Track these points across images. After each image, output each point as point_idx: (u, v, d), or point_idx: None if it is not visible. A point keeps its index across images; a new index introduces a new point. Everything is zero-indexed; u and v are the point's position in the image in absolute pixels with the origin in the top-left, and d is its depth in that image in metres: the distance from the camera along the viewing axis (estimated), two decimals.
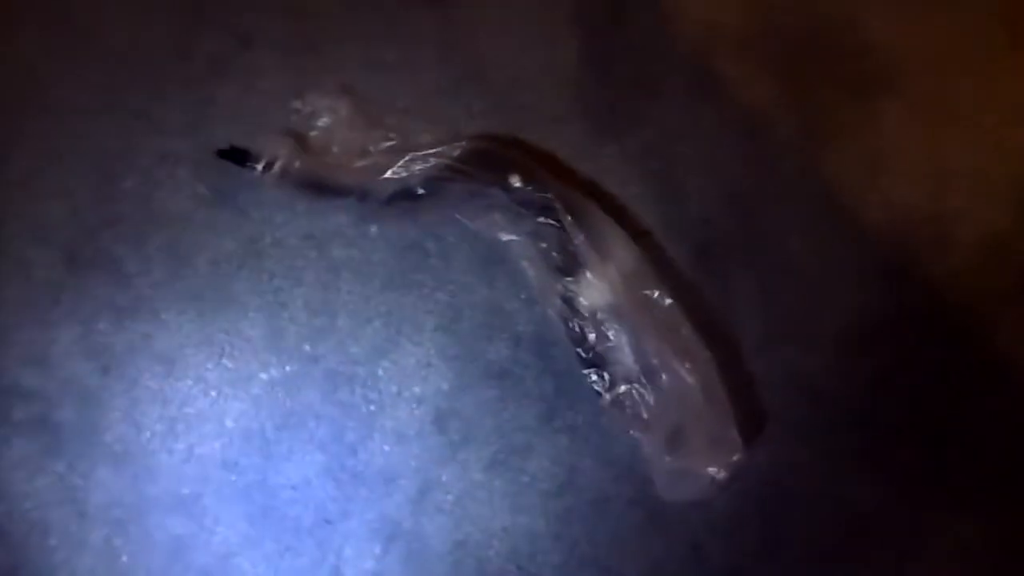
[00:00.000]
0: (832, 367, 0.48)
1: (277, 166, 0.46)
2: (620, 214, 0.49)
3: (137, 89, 0.52)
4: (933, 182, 0.50)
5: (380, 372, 0.49)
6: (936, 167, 0.50)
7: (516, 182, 0.46)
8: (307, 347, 0.49)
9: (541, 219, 0.46)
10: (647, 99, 0.50)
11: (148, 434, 0.49)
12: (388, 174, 0.47)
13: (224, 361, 0.49)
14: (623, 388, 0.45)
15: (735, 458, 0.44)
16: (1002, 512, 0.47)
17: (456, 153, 0.47)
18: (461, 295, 0.49)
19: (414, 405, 0.48)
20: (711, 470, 0.44)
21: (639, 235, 0.49)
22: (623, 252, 0.46)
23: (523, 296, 0.49)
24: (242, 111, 0.51)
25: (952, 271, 0.49)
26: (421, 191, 0.47)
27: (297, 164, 0.47)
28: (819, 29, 0.50)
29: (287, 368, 0.49)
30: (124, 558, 0.47)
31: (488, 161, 0.46)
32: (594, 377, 0.46)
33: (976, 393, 0.48)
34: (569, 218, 0.45)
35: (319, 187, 0.47)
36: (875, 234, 0.50)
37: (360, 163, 0.47)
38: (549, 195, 0.45)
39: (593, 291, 0.45)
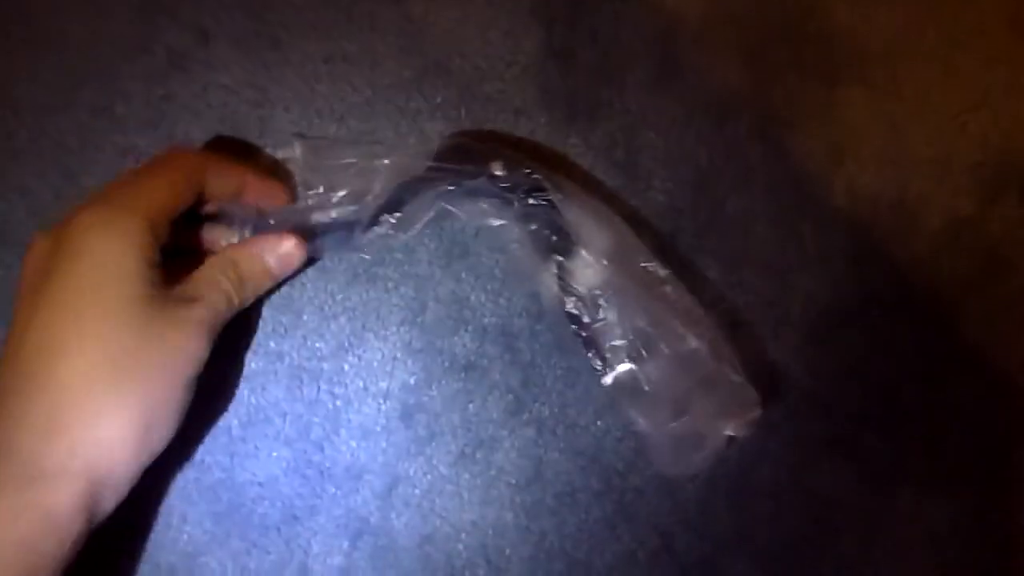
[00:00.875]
0: (799, 355, 0.48)
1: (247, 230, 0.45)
2: None
3: (97, 85, 0.51)
4: (898, 168, 0.50)
5: (346, 367, 0.48)
6: (900, 153, 0.50)
7: (498, 170, 0.45)
8: (272, 344, 0.49)
9: (531, 200, 0.44)
10: (611, 89, 0.50)
11: None
12: (368, 198, 0.45)
13: None
14: (624, 366, 0.44)
15: (754, 414, 0.42)
16: (971, 497, 0.48)
17: (431, 153, 0.46)
18: (426, 289, 0.49)
19: (380, 400, 0.48)
20: (728, 431, 0.42)
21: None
22: (613, 228, 0.45)
23: (489, 288, 0.49)
24: (203, 107, 0.51)
25: (918, 257, 0.49)
26: (404, 199, 0.46)
27: (271, 222, 0.45)
28: (782, 16, 0.50)
29: (252, 365, 0.49)
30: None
31: (466, 155, 0.46)
32: (592, 356, 0.45)
33: (943, 379, 0.48)
34: (559, 195, 0.44)
35: (304, 235, 0.45)
36: (841, 221, 0.50)
37: (335, 196, 0.46)
38: (537, 176, 0.44)
39: (588, 268, 0.45)
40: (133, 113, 0.51)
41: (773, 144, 0.50)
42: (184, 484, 0.48)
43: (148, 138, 0.50)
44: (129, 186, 0.39)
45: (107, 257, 0.36)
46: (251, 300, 0.42)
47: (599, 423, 0.48)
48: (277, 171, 0.48)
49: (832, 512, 0.47)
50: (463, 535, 0.47)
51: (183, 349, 0.37)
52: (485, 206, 0.46)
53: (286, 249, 0.43)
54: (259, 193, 0.43)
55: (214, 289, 0.40)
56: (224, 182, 0.42)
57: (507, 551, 0.47)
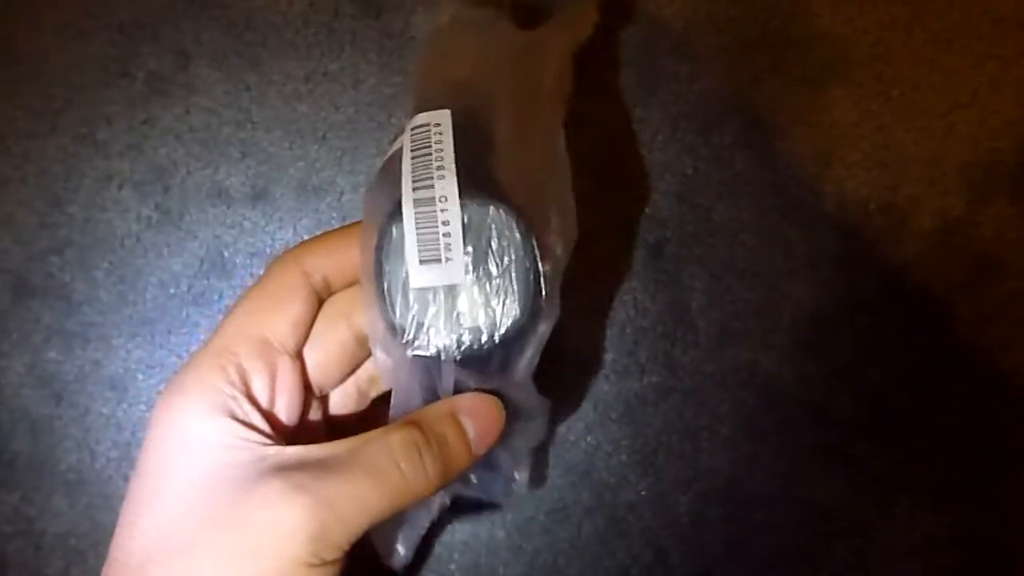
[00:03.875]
0: (789, 363, 0.48)
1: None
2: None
3: (79, 111, 0.51)
4: (886, 171, 0.49)
5: None
6: (888, 155, 0.49)
7: None
8: None
9: None
10: (593, 99, 0.49)
11: (102, 461, 0.49)
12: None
13: None
14: None
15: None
16: (965, 503, 0.47)
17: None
18: None
19: None
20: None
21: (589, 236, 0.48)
22: None
23: None
24: (184, 129, 0.51)
25: (908, 260, 0.49)
26: None
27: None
28: (764, 22, 0.50)
29: None
30: None
31: None
32: None
33: (937, 383, 0.48)
34: None
35: None
36: (829, 226, 0.49)
37: None
38: None
39: None
40: (115, 138, 0.51)
41: (759, 151, 0.49)
42: None
43: (131, 162, 0.50)
44: (218, 333, 0.34)
45: (185, 445, 0.31)
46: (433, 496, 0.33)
47: (589, 438, 0.47)
48: None
49: (826, 521, 0.47)
50: (455, 555, 0.47)
51: (276, 525, 0.29)
52: None
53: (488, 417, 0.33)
54: None
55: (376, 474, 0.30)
56: (339, 261, 0.35)
57: (500, 570, 0.47)
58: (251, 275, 0.49)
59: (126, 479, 0.47)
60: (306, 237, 0.49)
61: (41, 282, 0.50)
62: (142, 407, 0.49)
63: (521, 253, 0.34)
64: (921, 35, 0.50)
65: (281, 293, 0.34)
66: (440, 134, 0.34)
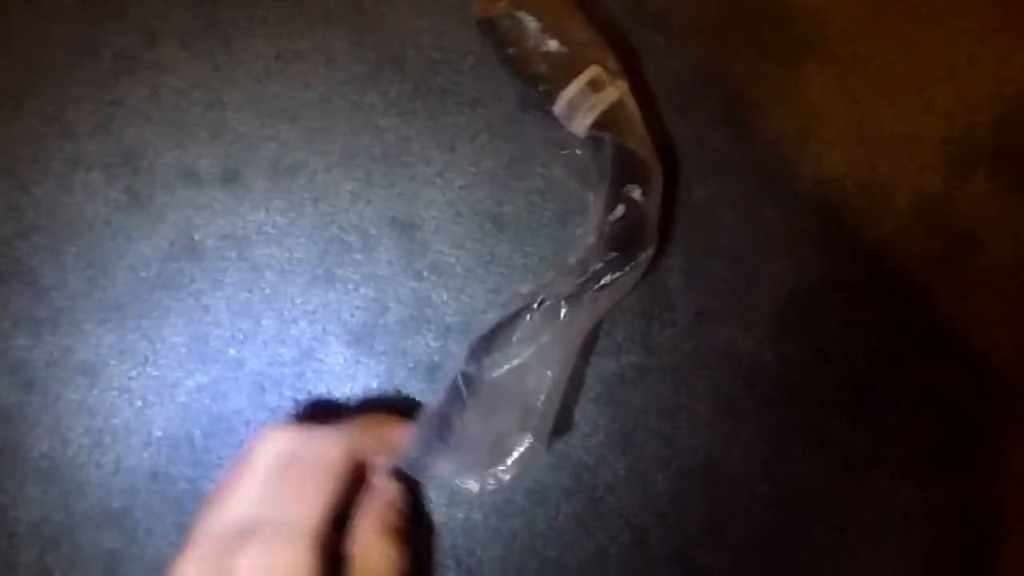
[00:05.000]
0: (769, 342, 0.48)
1: None
2: (545, 197, 0.48)
3: (46, 93, 0.50)
4: (864, 147, 0.49)
5: (308, 373, 0.48)
6: (866, 132, 0.49)
7: None
8: (232, 351, 0.48)
9: None
10: None
11: (75, 448, 0.48)
12: None
13: (148, 369, 0.48)
14: None
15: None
16: (946, 481, 0.47)
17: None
18: (387, 289, 0.48)
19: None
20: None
21: (566, 214, 0.48)
22: None
23: (451, 286, 0.48)
24: (154, 110, 0.50)
25: (886, 238, 0.49)
26: None
27: None
28: None
29: (213, 373, 0.48)
30: None
31: None
32: None
33: (916, 361, 0.48)
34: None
35: None
36: (808, 204, 0.49)
37: None
38: None
39: None
40: (83, 119, 0.50)
41: (738, 128, 0.49)
42: (149, 497, 0.47)
43: (99, 144, 0.49)
44: (289, 505, 0.38)
45: None
46: None
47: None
48: None
49: (805, 500, 0.47)
50: (433, 537, 0.47)
51: None
52: None
53: None
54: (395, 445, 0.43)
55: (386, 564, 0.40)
56: (373, 447, 0.41)
57: (477, 552, 0.47)
58: (222, 258, 0.48)
59: (98, 466, 0.47)
60: (279, 219, 0.49)
61: (8, 268, 0.49)
62: (114, 393, 0.48)
63: None
64: (898, 10, 0.50)
65: (336, 475, 0.39)
66: None
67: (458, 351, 0.46)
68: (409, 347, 0.47)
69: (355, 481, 0.40)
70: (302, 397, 0.47)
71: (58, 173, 0.49)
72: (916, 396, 0.47)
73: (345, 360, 0.47)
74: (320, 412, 0.47)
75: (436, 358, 0.47)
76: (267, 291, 0.48)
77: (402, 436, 0.42)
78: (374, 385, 0.47)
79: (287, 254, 0.48)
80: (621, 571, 0.46)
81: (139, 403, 0.47)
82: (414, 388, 0.47)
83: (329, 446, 0.39)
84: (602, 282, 0.41)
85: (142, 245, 0.48)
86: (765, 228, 0.48)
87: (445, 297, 0.48)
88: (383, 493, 0.41)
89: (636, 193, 0.42)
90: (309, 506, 0.37)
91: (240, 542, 0.36)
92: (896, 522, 0.46)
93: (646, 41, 0.49)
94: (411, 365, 0.47)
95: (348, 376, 0.47)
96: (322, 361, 0.47)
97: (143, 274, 0.48)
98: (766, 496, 0.47)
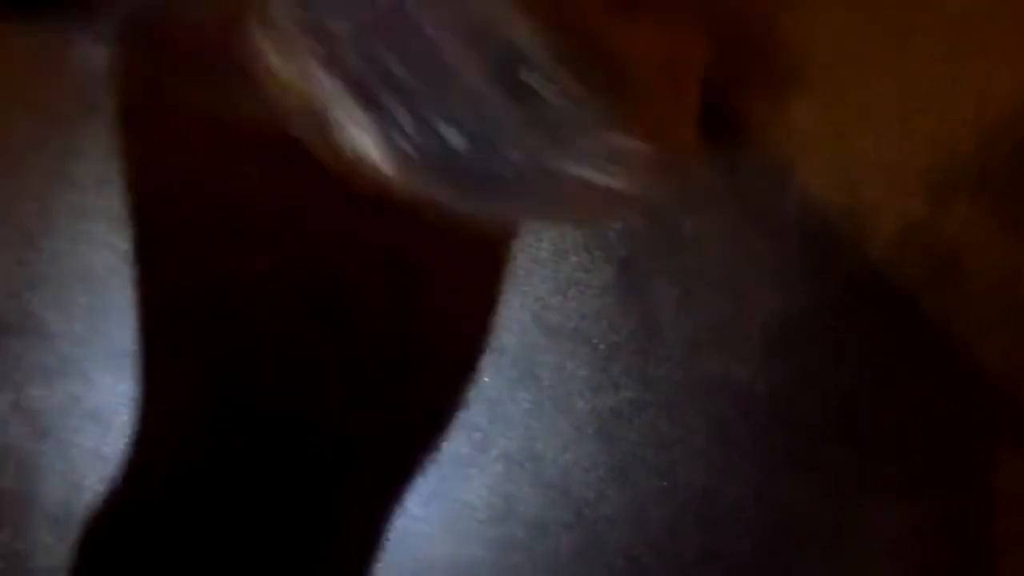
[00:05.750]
0: (761, 371, 0.49)
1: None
2: (536, 236, 0.49)
3: (52, 147, 0.51)
4: (847, 176, 0.50)
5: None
6: (850, 161, 0.50)
7: None
8: None
9: None
10: None
11: (89, 495, 0.49)
12: None
13: None
14: None
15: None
16: (936, 501, 0.48)
17: None
18: None
19: None
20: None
21: (559, 253, 0.49)
22: None
23: None
24: None
25: (872, 264, 0.49)
26: None
27: None
28: (722, 32, 0.50)
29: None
30: None
31: None
32: None
33: (903, 385, 0.49)
34: None
35: None
36: (794, 233, 0.50)
37: None
38: None
39: None
40: (87, 172, 0.51)
41: (722, 161, 0.50)
42: None
43: (102, 197, 0.50)
44: None
45: None
46: None
47: (567, 455, 0.48)
48: None
49: (798, 525, 0.48)
50: (437, 573, 0.48)
51: None
52: None
53: None
54: None
55: None
56: None
57: None
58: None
59: None
60: None
61: (17, 319, 0.50)
62: (126, 439, 0.49)
63: None
64: (878, 39, 0.51)
65: None
66: None
67: None
68: None
69: None
70: None
71: (64, 225, 0.50)
72: (904, 418, 0.48)
73: None
74: None
75: None
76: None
77: None
78: None
79: None
80: None
81: None
82: None
83: None
84: None
85: None
86: (753, 258, 0.49)
87: None
88: None
89: None
90: None
91: None
92: (887, 544, 0.48)
93: None
94: None
95: None
96: None
97: None
98: (760, 522, 0.48)
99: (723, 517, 0.47)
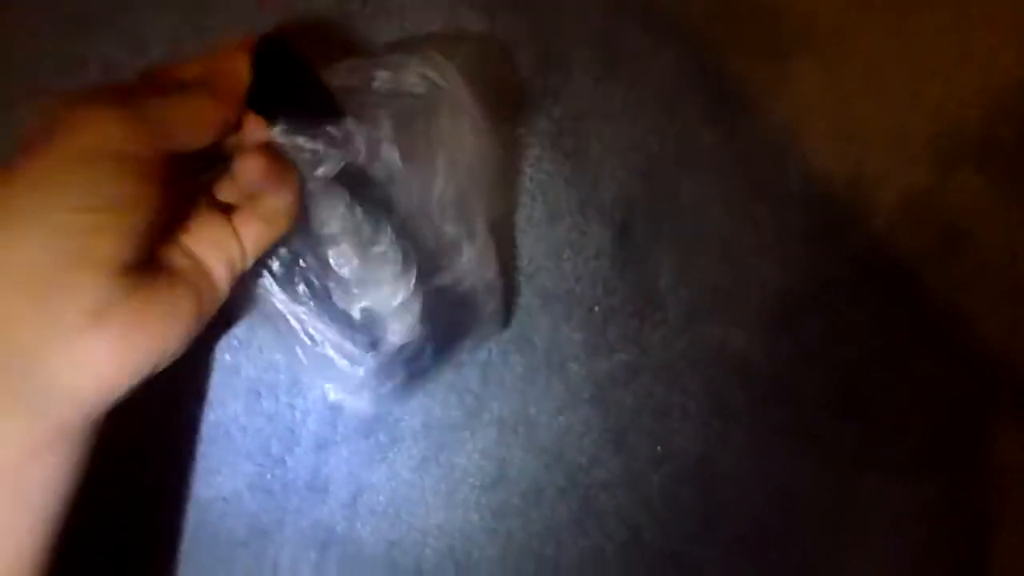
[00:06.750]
0: (759, 341, 0.48)
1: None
2: (534, 196, 0.49)
3: (34, 104, 0.50)
4: (852, 144, 0.49)
5: (303, 378, 0.48)
6: (854, 129, 0.49)
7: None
8: (227, 357, 0.48)
9: None
10: (556, 77, 0.49)
11: None
12: None
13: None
14: None
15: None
16: (938, 478, 0.47)
17: None
18: None
19: (340, 409, 0.48)
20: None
21: (554, 216, 0.48)
22: None
23: None
24: None
25: (875, 234, 0.49)
26: None
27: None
28: None
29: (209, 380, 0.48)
30: None
31: None
32: None
33: (906, 358, 0.48)
34: None
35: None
36: (796, 202, 0.49)
37: None
38: None
39: None
40: None
41: (724, 126, 0.49)
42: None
43: None
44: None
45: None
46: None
47: (561, 419, 0.47)
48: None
49: (797, 497, 0.47)
50: (430, 539, 0.47)
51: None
52: None
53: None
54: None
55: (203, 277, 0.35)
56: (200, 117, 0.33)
57: (474, 553, 0.47)
58: None
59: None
60: None
61: None
62: None
63: None
64: (885, 5, 0.50)
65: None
66: None
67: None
68: None
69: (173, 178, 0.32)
70: (298, 401, 0.47)
71: None
72: (907, 393, 0.48)
73: None
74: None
75: None
76: None
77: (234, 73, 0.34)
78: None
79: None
80: (617, 569, 0.47)
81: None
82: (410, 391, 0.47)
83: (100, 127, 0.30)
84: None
85: None
86: (754, 226, 0.49)
87: None
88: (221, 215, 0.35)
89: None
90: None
91: None
92: (888, 518, 0.47)
93: (631, 42, 0.49)
94: None
95: None
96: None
97: None
98: (758, 494, 0.47)
99: (721, 487, 0.47)
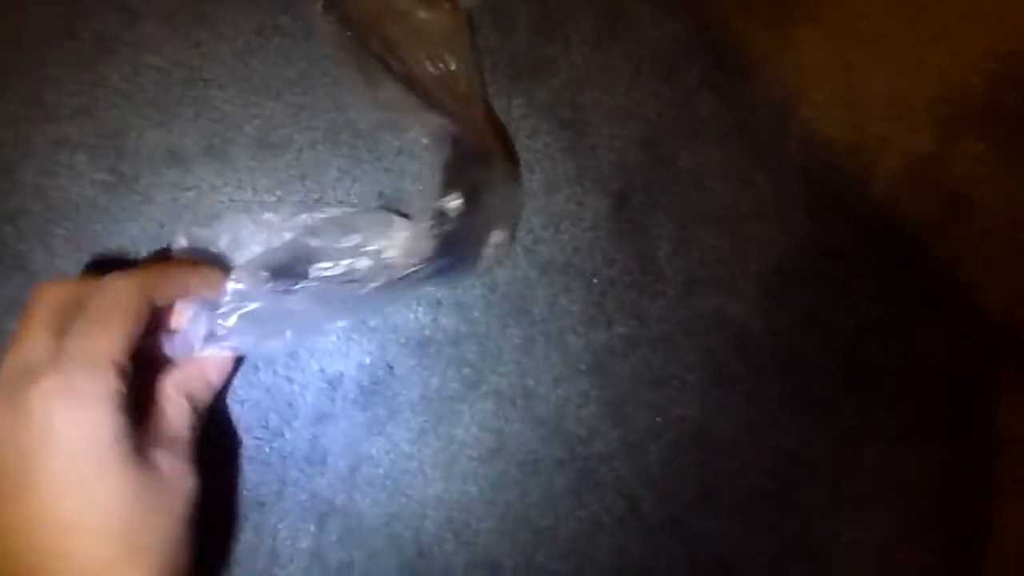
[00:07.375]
0: (758, 310, 0.48)
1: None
2: (531, 167, 0.48)
3: (26, 75, 0.50)
4: (854, 110, 0.48)
5: (301, 351, 0.48)
6: (856, 93, 0.48)
7: None
8: None
9: None
10: (553, 45, 0.48)
11: None
12: None
13: None
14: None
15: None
16: (937, 446, 0.47)
17: None
18: None
19: (337, 382, 0.47)
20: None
21: (551, 186, 0.48)
22: None
23: None
24: (135, 90, 0.49)
25: (877, 201, 0.48)
26: None
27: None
28: None
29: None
30: None
31: None
32: None
33: (907, 327, 0.48)
34: None
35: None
36: (796, 169, 0.48)
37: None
38: None
39: None
40: (64, 100, 0.49)
41: (724, 94, 0.48)
42: None
43: (82, 126, 0.49)
44: (84, 338, 0.36)
45: (84, 433, 0.35)
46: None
47: (559, 391, 0.47)
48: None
49: (797, 466, 0.47)
50: (429, 511, 0.47)
51: (180, 493, 0.38)
52: None
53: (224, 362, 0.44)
54: (205, 287, 0.42)
55: (184, 425, 0.41)
56: (171, 291, 0.41)
57: (473, 524, 0.47)
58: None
59: None
60: (266, 197, 0.48)
61: None
62: None
63: None
64: None
65: (131, 310, 0.38)
66: None
67: (448, 324, 0.47)
68: (400, 323, 0.47)
69: (157, 325, 0.40)
70: (295, 374, 0.47)
71: (41, 156, 0.49)
72: (907, 362, 0.47)
73: (338, 338, 0.47)
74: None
75: (427, 332, 0.47)
76: None
77: (209, 280, 0.41)
78: (367, 362, 0.47)
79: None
80: (616, 540, 0.47)
81: None
82: (407, 364, 0.47)
83: (121, 289, 0.38)
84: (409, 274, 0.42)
85: (130, 226, 0.48)
86: (754, 195, 0.48)
87: None
88: (195, 362, 0.42)
89: (455, 203, 0.42)
90: (106, 340, 0.36)
91: (33, 375, 0.35)
92: (887, 486, 0.47)
93: (629, 9, 0.48)
94: (403, 341, 0.47)
95: (341, 353, 0.47)
96: (313, 340, 0.47)
97: (131, 256, 0.48)
98: (757, 463, 0.47)
99: (719, 456, 0.47)
